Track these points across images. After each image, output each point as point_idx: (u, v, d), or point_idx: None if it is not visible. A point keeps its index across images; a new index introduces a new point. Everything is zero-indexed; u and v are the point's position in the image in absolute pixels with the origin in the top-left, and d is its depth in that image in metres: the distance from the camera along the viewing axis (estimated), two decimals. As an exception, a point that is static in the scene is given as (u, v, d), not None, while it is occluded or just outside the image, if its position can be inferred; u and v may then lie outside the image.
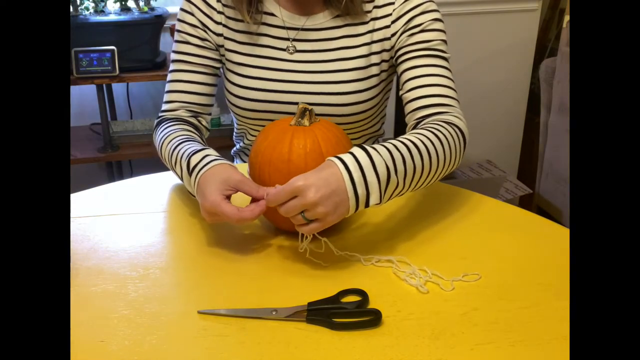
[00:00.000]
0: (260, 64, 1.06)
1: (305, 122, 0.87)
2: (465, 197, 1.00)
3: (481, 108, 2.33)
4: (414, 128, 0.96)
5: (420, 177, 0.84)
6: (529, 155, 2.45)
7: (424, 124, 0.93)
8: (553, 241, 0.88)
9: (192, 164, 0.87)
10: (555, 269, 0.81)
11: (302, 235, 0.79)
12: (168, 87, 1.07)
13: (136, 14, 1.90)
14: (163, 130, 1.01)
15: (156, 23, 1.89)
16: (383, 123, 1.20)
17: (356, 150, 0.79)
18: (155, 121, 1.07)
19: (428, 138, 0.87)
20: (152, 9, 1.94)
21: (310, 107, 0.87)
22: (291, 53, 1.06)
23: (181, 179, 0.91)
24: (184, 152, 0.91)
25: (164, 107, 1.07)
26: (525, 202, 2.21)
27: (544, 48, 2.42)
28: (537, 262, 0.83)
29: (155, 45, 1.92)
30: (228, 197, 0.82)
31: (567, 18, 1.97)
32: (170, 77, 1.07)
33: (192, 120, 1.07)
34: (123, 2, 1.92)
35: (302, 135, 0.84)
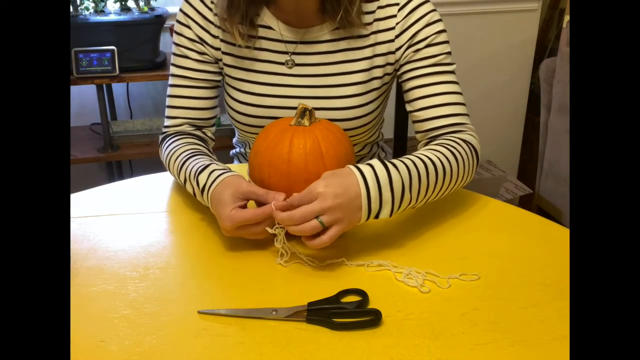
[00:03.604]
0: (259, 79, 1.04)
1: (305, 122, 0.87)
2: (465, 197, 1.00)
3: (481, 108, 2.33)
4: (427, 144, 0.98)
5: (432, 193, 0.87)
6: (529, 155, 2.45)
7: (440, 140, 0.95)
8: (553, 241, 0.88)
9: (201, 184, 0.87)
10: (555, 269, 0.81)
11: (281, 253, 0.82)
12: (169, 101, 1.06)
13: (136, 14, 1.90)
14: (168, 147, 1.01)
15: (156, 23, 1.89)
16: (381, 128, 1.20)
17: (376, 164, 0.81)
18: (160, 137, 1.07)
19: (445, 156, 0.89)
20: (152, 9, 1.94)
21: (310, 107, 0.87)
22: (290, 67, 1.03)
23: (194, 195, 0.92)
24: (190, 171, 0.91)
25: (167, 122, 1.06)
26: (525, 202, 2.21)
27: (544, 48, 2.42)
28: (537, 262, 0.83)
29: (155, 45, 1.92)
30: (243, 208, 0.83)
31: (567, 18, 1.97)
32: (170, 91, 1.06)
33: (197, 132, 1.06)
34: (123, 2, 1.92)
35: (302, 135, 0.84)
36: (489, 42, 2.27)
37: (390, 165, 0.81)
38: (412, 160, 0.85)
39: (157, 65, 1.91)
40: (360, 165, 0.81)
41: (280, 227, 0.80)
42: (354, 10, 0.98)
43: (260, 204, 0.83)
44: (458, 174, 0.90)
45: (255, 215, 0.80)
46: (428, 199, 0.87)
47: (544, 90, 2.07)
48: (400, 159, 0.85)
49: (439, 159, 0.88)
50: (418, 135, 1.03)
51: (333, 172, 0.80)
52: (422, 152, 0.89)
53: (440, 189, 0.88)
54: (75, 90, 2.08)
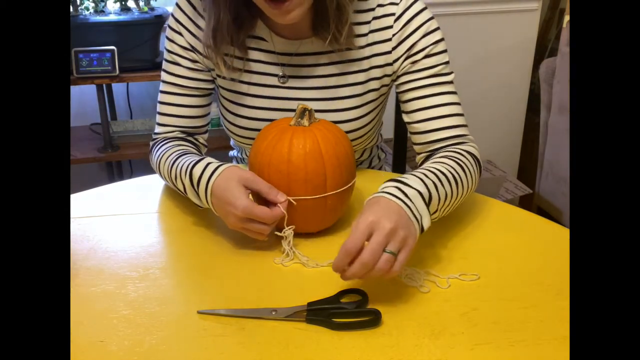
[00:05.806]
0: (252, 92, 1.02)
1: (305, 122, 0.87)
2: (465, 197, 1.00)
3: (481, 108, 2.33)
4: (429, 157, 0.97)
5: (449, 205, 0.85)
6: (529, 155, 2.45)
7: (445, 152, 0.93)
8: (553, 241, 0.88)
9: (195, 176, 0.85)
10: (555, 269, 0.81)
11: (286, 254, 0.83)
12: (160, 108, 1.04)
13: (136, 14, 1.90)
14: (158, 150, 1.00)
15: (156, 23, 1.89)
16: (380, 131, 1.19)
17: (391, 189, 0.77)
18: (150, 143, 1.05)
19: (456, 171, 0.87)
20: (152, 9, 1.94)
21: (309, 107, 0.87)
22: (283, 82, 1.01)
23: (184, 193, 0.90)
24: (182, 166, 0.89)
25: (157, 129, 1.05)
26: (525, 202, 2.21)
27: (544, 48, 2.42)
28: (537, 262, 0.83)
29: (155, 45, 1.92)
30: None
31: (567, 18, 1.97)
32: (161, 97, 1.04)
33: (189, 138, 1.05)
34: (123, 2, 1.92)
35: (301, 136, 0.84)
36: (489, 42, 2.27)
37: (405, 185, 0.78)
38: (435, 174, 0.83)
39: (157, 65, 1.91)
40: (381, 192, 0.77)
41: (290, 229, 0.81)
42: (342, 35, 0.94)
43: (260, 197, 0.83)
44: (467, 187, 0.89)
45: (265, 214, 0.80)
46: (452, 206, 0.86)
47: (544, 90, 2.07)
48: (413, 173, 0.83)
49: (451, 174, 0.86)
50: (417, 147, 1.00)
51: (364, 208, 0.75)
52: (438, 167, 0.86)
53: (452, 202, 0.86)
54: (75, 90, 2.09)
